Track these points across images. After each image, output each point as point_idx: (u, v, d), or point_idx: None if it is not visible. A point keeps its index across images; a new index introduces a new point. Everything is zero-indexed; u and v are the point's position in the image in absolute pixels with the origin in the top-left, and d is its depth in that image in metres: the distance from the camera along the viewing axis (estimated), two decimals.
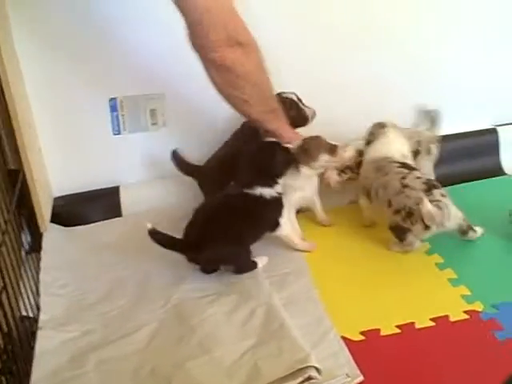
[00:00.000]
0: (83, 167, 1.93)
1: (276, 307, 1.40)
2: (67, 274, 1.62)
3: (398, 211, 1.59)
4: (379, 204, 1.66)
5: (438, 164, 1.87)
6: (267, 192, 1.57)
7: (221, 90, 1.55)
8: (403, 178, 1.60)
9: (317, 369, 1.19)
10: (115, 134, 1.91)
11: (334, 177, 1.77)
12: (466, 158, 2.03)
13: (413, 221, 1.56)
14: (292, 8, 1.83)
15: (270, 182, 1.58)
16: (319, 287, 1.52)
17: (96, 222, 1.88)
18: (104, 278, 1.60)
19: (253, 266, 1.58)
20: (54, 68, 1.77)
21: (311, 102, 1.79)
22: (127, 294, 1.54)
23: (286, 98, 1.75)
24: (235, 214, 1.54)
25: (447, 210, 1.53)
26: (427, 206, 1.50)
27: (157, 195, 1.93)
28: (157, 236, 1.48)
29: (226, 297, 1.48)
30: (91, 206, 1.90)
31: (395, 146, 1.72)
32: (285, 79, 1.69)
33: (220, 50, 1.46)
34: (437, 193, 1.56)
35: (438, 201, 1.54)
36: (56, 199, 1.90)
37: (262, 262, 1.59)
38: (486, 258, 1.59)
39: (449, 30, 1.98)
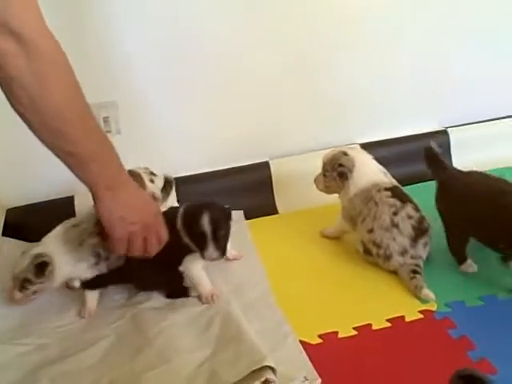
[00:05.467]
0: (37, 177, 1.89)
1: (234, 314, 1.41)
2: None
3: (376, 245, 1.57)
4: (361, 228, 1.63)
5: (393, 166, 1.91)
6: None
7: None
8: (394, 213, 1.56)
9: (273, 370, 1.20)
10: None
11: (319, 181, 1.71)
12: (418, 159, 2.06)
13: (386, 262, 1.57)
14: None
15: None
16: (277, 292, 1.53)
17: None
18: (60, 291, 1.57)
19: (183, 293, 1.52)
20: None
21: None
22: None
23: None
24: None
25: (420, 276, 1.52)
26: (425, 292, 1.47)
27: None
28: None
29: (184, 306, 1.47)
30: (45, 217, 1.86)
31: (375, 170, 1.68)
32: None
33: None
34: (421, 243, 1.56)
35: (416, 265, 1.53)
36: (9, 211, 1.86)
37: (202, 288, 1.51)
38: (440, 258, 1.62)
39: (402, 35, 2.01)
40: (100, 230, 1.39)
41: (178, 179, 1.90)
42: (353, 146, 1.88)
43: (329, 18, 1.91)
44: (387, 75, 2.05)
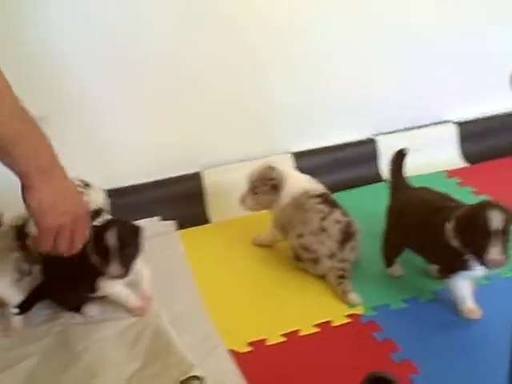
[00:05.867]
0: None
1: (163, 327, 1.41)
2: None
3: (306, 249, 1.60)
4: (291, 234, 1.66)
5: (322, 173, 1.95)
6: None
7: None
8: (323, 218, 1.60)
9: (202, 380, 1.21)
10: None
11: (248, 200, 1.74)
12: (348, 166, 2.11)
13: (315, 266, 1.60)
14: None
15: None
16: (208, 302, 1.54)
17: None
18: None
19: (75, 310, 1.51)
20: None
21: None
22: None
23: None
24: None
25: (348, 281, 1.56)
26: (351, 296, 1.51)
27: None
28: None
29: (113, 320, 1.46)
30: None
31: (303, 178, 1.73)
32: None
33: None
34: (348, 247, 1.60)
35: (343, 270, 1.57)
36: None
37: (91, 311, 1.51)
38: (367, 261, 1.66)
39: (332, 45, 2.05)
40: (19, 244, 1.37)
41: (110, 191, 1.90)
42: (269, 158, 1.91)
43: (255, 30, 1.93)
44: (316, 85, 2.09)
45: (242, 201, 1.75)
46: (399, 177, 1.67)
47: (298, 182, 1.71)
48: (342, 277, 1.55)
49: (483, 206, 1.32)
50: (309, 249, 1.60)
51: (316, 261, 1.59)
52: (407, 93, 2.19)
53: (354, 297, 1.50)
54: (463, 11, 2.14)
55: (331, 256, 1.58)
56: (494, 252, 1.28)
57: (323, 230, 1.59)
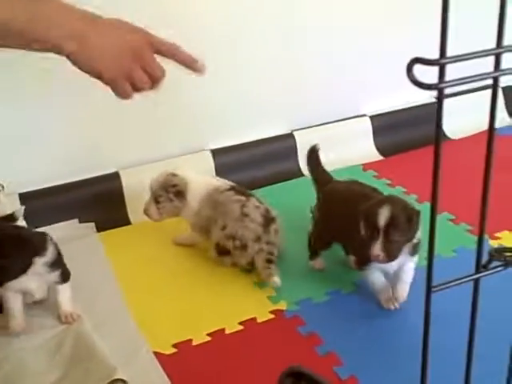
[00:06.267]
0: None
1: (84, 333, 1.37)
2: None
3: (232, 237, 1.61)
4: (215, 230, 1.66)
5: (243, 169, 1.96)
6: None
7: None
8: (243, 205, 1.62)
9: (124, 382, 1.20)
10: None
11: (152, 210, 1.71)
12: (267, 162, 2.13)
13: (243, 253, 1.60)
14: None
15: None
16: (131, 304, 1.52)
17: None
18: None
19: None
20: None
21: None
22: None
23: None
24: None
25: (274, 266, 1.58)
26: (274, 279, 1.53)
27: None
28: None
29: (32, 331, 1.41)
30: None
31: (206, 178, 1.76)
32: None
33: None
34: (272, 230, 1.62)
35: (270, 253, 1.59)
36: None
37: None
38: (289, 257, 1.68)
39: (249, 40, 2.06)
40: None
41: (24, 194, 1.84)
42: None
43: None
44: (233, 83, 2.09)
45: (146, 211, 1.73)
46: (321, 172, 1.70)
47: (203, 183, 1.72)
48: (269, 261, 1.58)
49: (380, 202, 1.37)
50: (235, 236, 1.61)
51: (244, 247, 1.60)
52: (323, 88, 2.23)
53: (277, 280, 1.53)
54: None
55: (257, 239, 1.60)
56: (376, 248, 1.32)
57: (245, 215, 1.62)
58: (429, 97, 2.35)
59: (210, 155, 2.07)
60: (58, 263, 1.42)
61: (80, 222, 1.89)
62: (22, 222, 1.65)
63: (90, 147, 1.94)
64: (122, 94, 1.13)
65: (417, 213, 1.36)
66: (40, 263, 1.37)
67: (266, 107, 2.18)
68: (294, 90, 2.19)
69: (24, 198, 1.84)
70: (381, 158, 2.26)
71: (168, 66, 1.13)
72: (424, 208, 1.81)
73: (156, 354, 1.34)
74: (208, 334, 1.41)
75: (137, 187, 1.94)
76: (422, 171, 2.06)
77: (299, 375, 0.79)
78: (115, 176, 1.96)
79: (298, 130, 2.22)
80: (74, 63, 1.06)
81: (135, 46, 1.10)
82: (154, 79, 1.12)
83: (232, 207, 1.63)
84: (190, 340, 1.39)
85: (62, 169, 1.93)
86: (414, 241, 1.39)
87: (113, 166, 1.97)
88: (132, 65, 1.09)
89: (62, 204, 1.90)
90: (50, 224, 1.82)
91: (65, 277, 1.45)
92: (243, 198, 1.65)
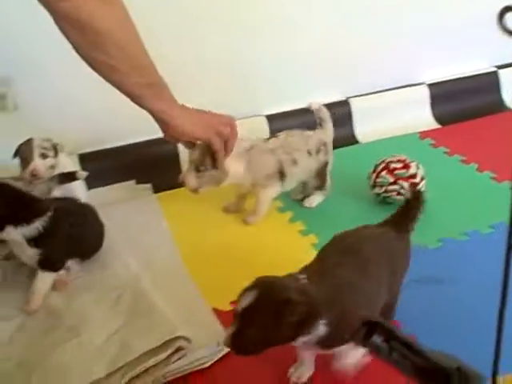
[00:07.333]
0: None
1: (144, 290, 1.39)
2: None
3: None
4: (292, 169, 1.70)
5: None
6: None
7: (82, 53, 1.24)
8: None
9: (186, 339, 1.22)
10: None
11: (191, 178, 1.58)
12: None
13: None
14: None
15: None
16: (188, 262, 1.54)
17: None
18: None
19: None
20: None
21: None
22: None
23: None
24: None
25: None
26: None
27: None
28: None
29: (93, 286, 1.44)
30: None
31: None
32: None
33: None
34: None
35: None
36: None
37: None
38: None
39: (303, 11, 2.04)
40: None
41: (83, 155, 1.88)
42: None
43: None
44: (288, 48, 2.08)
45: (184, 178, 1.59)
46: None
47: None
48: None
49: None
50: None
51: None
52: (381, 54, 2.19)
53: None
54: None
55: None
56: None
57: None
58: (488, 66, 2.31)
59: (265, 120, 2.06)
60: (42, 243, 1.36)
61: (137, 183, 1.91)
62: (81, 185, 1.68)
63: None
64: (217, 147, 1.51)
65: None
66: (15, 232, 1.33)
67: (320, 74, 2.16)
68: (350, 58, 2.17)
69: (82, 158, 1.87)
70: (438, 126, 2.21)
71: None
72: (484, 177, 1.80)
73: (215, 310, 1.36)
74: None
75: None
76: (481, 140, 2.06)
77: (374, 325, 0.79)
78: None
79: (352, 97, 2.19)
80: (180, 123, 1.42)
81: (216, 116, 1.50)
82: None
83: (298, 141, 1.72)
84: None
85: (120, 131, 1.94)
86: None
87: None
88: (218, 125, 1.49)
89: (119, 165, 1.92)
90: (107, 185, 1.85)
91: (44, 264, 1.38)
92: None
